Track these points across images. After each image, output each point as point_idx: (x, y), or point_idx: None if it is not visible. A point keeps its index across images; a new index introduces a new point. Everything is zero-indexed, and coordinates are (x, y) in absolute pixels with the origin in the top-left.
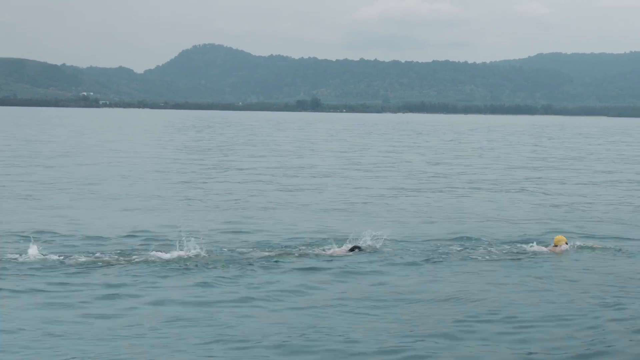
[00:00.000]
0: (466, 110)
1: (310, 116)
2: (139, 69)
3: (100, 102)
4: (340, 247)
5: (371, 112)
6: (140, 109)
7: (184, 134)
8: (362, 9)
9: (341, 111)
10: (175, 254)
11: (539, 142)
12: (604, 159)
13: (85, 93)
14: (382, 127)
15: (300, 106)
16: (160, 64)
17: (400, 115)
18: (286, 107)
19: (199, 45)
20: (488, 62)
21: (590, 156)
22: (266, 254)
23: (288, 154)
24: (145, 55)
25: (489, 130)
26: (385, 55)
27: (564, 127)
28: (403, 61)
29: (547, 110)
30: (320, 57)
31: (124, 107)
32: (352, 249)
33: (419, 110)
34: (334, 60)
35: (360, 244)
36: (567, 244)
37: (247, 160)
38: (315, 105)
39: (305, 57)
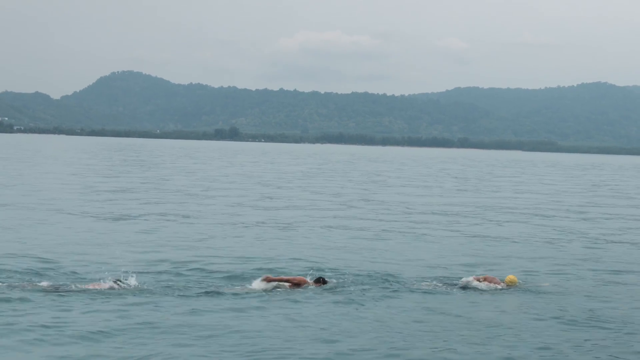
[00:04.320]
0: (384, 142)
1: (227, 145)
2: (56, 94)
3: (15, 128)
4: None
5: (290, 142)
6: (56, 135)
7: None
8: (282, 39)
9: (260, 141)
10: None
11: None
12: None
13: None
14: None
15: (219, 135)
16: (78, 90)
17: (318, 145)
18: (204, 136)
19: (118, 72)
20: (407, 94)
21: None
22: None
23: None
24: (62, 81)
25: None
26: (305, 86)
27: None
28: (322, 92)
29: (464, 144)
30: (239, 87)
31: (39, 132)
32: (317, 281)
33: (337, 141)
34: (254, 89)
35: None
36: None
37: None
38: (233, 135)
39: (225, 86)
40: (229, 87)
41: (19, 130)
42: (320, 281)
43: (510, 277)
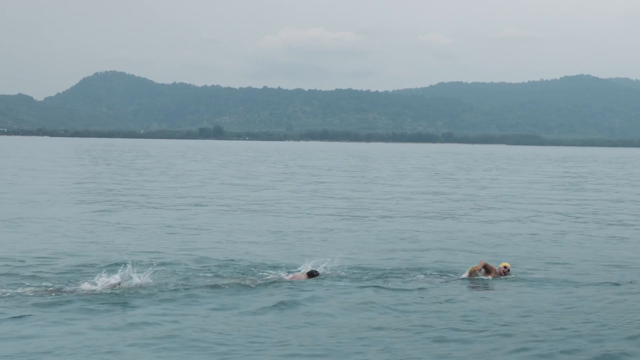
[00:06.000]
0: (368, 138)
1: (211, 144)
2: (39, 96)
3: None
4: (298, 272)
5: (274, 139)
6: (40, 137)
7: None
8: (265, 37)
9: (244, 139)
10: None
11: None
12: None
13: None
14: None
15: (203, 134)
16: (61, 91)
17: (302, 143)
18: (189, 135)
19: (101, 72)
20: (390, 90)
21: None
22: (221, 281)
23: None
24: (45, 82)
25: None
26: (289, 84)
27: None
28: (306, 89)
29: (448, 138)
30: (223, 85)
31: (23, 134)
32: (309, 274)
33: (322, 138)
34: (238, 88)
35: (319, 269)
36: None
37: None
38: (218, 133)
39: (209, 84)
40: (213, 85)
41: (2, 133)
42: (313, 274)
43: (504, 263)
